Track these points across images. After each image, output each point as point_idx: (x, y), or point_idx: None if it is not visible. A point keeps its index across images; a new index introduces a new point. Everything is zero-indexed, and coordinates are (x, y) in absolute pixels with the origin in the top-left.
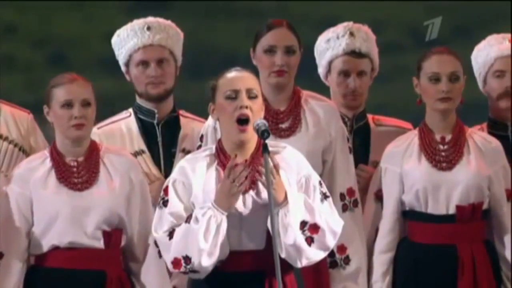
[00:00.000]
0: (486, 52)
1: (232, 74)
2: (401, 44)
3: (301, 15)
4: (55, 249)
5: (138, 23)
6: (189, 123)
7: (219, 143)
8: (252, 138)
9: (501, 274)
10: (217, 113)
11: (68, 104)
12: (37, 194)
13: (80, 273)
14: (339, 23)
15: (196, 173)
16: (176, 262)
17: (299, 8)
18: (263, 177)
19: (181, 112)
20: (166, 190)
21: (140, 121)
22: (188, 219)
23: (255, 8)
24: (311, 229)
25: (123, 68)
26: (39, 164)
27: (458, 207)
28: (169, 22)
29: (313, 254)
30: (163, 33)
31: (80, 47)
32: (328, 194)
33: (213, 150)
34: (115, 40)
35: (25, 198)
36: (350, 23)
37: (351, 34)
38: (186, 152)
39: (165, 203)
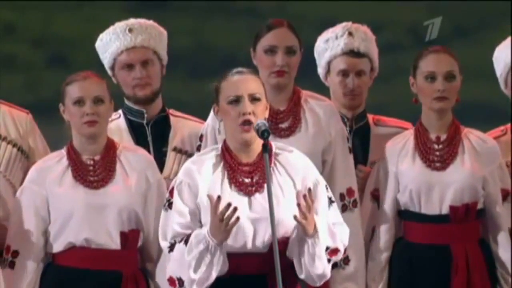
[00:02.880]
0: (505, 53)
1: (234, 78)
2: (401, 44)
3: (300, 16)
4: (72, 248)
5: (119, 25)
6: (179, 122)
7: (224, 143)
8: (256, 138)
9: (497, 274)
10: (221, 115)
11: (80, 101)
12: (53, 192)
13: (96, 273)
14: (339, 23)
15: (202, 174)
16: (171, 281)
17: (299, 8)
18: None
19: (171, 111)
20: (171, 192)
21: (129, 122)
22: (188, 238)
23: (255, 8)
24: (330, 253)
25: (109, 72)
26: (55, 163)
27: (451, 208)
28: (151, 22)
29: (329, 272)
30: (145, 34)
31: (80, 47)
32: (333, 198)
33: (219, 150)
34: (98, 44)
35: (42, 197)
36: (349, 23)
37: (350, 33)
38: (177, 150)
39: (170, 205)
